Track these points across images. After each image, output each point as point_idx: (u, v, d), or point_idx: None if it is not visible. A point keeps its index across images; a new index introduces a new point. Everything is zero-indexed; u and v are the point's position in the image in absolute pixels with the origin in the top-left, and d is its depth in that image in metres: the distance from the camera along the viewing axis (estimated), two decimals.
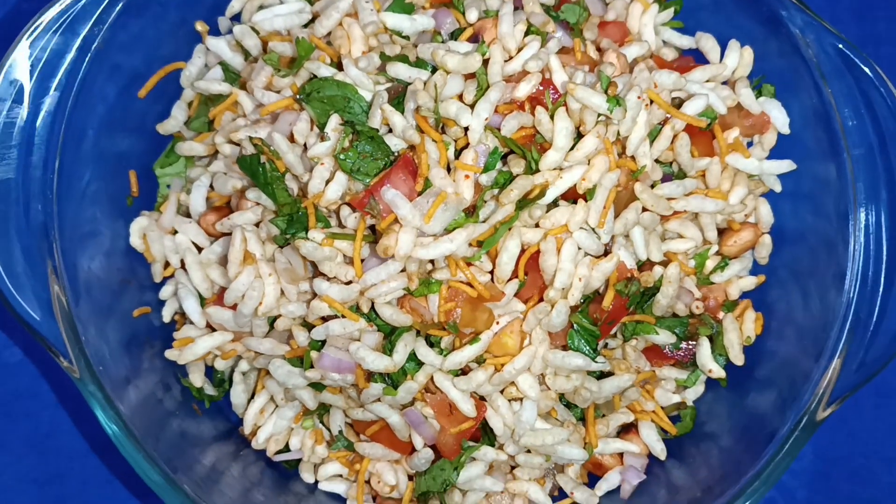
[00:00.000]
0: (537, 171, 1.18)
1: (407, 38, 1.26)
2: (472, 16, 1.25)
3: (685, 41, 1.40)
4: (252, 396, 1.36)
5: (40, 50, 1.19)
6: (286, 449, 1.34)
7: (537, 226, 1.18)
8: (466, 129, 1.17)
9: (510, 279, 1.19)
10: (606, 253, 1.21)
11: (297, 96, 1.24)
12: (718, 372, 1.30)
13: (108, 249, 1.29)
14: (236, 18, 1.40)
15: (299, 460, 1.35)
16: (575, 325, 1.20)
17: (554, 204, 1.19)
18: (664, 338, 1.28)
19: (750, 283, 1.36)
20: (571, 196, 1.20)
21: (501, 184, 1.17)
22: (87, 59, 1.23)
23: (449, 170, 1.18)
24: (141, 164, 1.37)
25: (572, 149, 1.18)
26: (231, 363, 1.36)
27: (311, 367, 1.22)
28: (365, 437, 1.30)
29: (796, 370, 1.24)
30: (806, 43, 1.26)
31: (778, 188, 1.35)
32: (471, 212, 1.18)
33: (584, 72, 1.20)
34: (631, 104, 1.18)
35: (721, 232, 1.36)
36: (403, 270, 1.18)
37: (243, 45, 1.34)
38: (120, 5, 1.24)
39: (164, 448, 1.20)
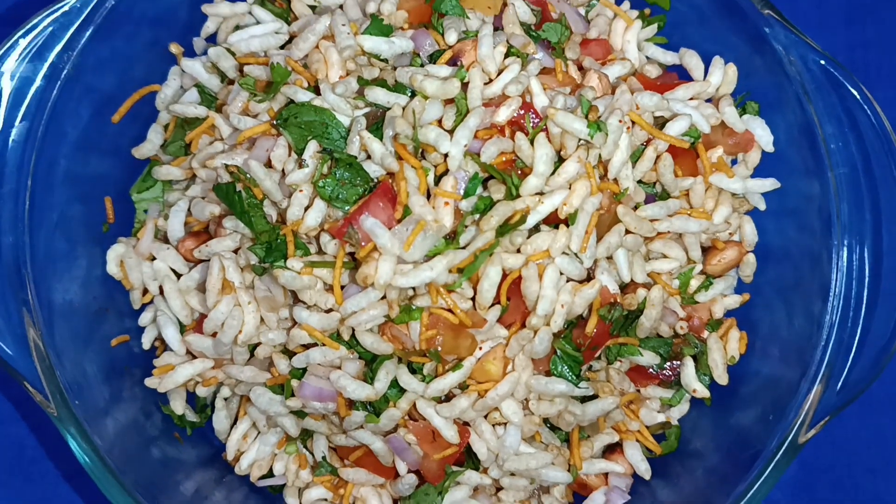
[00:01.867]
0: (518, 196, 1.17)
1: (385, 60, 1.24)
2: (452, 37, 1.23)
3: (669, 57, 1.39)
4: (235, 422, 1.34)
5: (8, 77, 1.17)
6: (270, 474, 1.34)
7: (519, 251, 1.17)
8: (446, 155, 1.15)
9: (492, 305, 1.17)
10: (589, 278, 1.20)
11: (274, 122, 1.22)
12: (703, 392, 1.29)
13: (84, 278, 1.27)
14: (212, 39, 1.38)
15: (283, 485, 1.34)
16: (558, 351, 1.19)
17: (535, 229, 1.18)
18: (648, 359, 1.28)
19: (734, 301, 1.35)
20: (553, 221, 1.19)
21: (482, 210, 1.16)
22: (57, 84, 1.21)
23: (429, 196, 1.16)
24: (117, 190, 1.35)
25: (553, 173, 1.17)
26: (213, 389, 1.34)
27: (293, 395, 1.21)
28: (349, 463, 1.29)
29: (780, 389, 1.24)
30: (790, 60, 1.25)
31: (762, 206, 1.34)
32: (451, 238, 1.16)
33: (564, 95, 1.18)
34: (612, 128, 1.17)
35: (705, 251, 1.35)
36: (384, 298, 1.17)
37: (219, 67, 1.32)
38: (91, 28, 1.22)
39: (144, 477, 1.19)
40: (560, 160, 1.18)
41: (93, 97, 1.27)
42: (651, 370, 1.30)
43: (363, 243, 1.14)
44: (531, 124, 1.18)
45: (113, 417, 1.22)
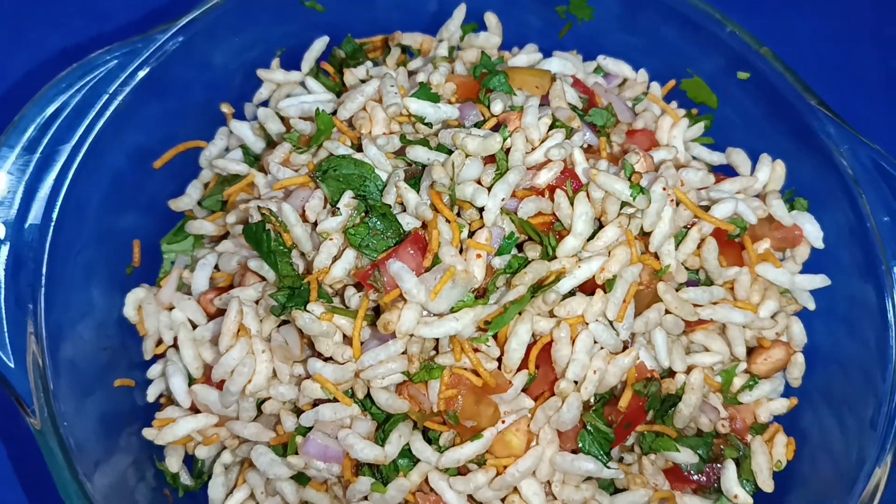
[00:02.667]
0: (554, 258, 1.12)
1: (429, 125, 1.24)
2: (497, 108, 1.23)
3: (715, 157, 1.38)
4: (231, 492, 1.24)
5: (60, 106, 1.19)
6: None
7: (552, 315, 1.11)
8: (482, 210, 1.12)
9: (519, 369, 1.10)
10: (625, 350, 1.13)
11: (313, 174, 1.21)
12: (745, 498, 1.16)
13: (98, 316, 1.23)
14: (263, 105, 1.40)
15: None
16: (588, 426, 1.09)
17: (570, 295, 1.12)
18: (686, 457, 1.17)
19: (781, 406, 1.25)
20: (589, 289, 1.13)
21: (515, 269, 1.11)
22: (99, 125, 1.21)
23: (461, 251, 1.12)
24: (147, 240, 1.33)
25: (592, 238, 1.13)
26: (213, 454, 1.25)
27: (296, 454, 1.12)
28: None
29: (828, 502, 1.12)
30: (839, 153, 1.23)
31: (811, 305, 1.27)
32: (480, 295, 1.11)
33: (607, 163, 1.16)
34: (656, 196, 1.13)
35: (750, 351, 1.27)
36: (404, 353, 1.10)
37: (266, 129, 1.34)
38: (145, 71, 1.24)
39: None
40: (600, 227, 1.14)
41: (135, 147, 1.28)
42: (688, 472, 1.19)
43: (388, 288, 1.09)
44: (571, 189, 1.15)
45: (104, 462, 1.14)
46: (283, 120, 1.34)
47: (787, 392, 1.27)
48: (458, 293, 1.08)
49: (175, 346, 1.25)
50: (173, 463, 1.23)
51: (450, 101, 1.29)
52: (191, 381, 1.23)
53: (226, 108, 1.38)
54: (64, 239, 1.17)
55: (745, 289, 1.23)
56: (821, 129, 1.25)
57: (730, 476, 1.18)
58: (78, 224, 1.19)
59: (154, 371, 1.28)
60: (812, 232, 1.26)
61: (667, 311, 1.17)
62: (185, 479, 1.25)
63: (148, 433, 1.21)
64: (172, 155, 1.33)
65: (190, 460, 1.26)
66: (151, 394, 1.27)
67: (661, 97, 1.40)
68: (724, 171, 1.36)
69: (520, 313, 1.08)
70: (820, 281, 1.25)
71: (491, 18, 1.42)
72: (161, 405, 1.28)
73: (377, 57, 1.46)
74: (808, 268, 1.28)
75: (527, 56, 1.41)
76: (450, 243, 1.11)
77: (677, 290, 1.18)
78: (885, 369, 1.16)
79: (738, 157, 1.34)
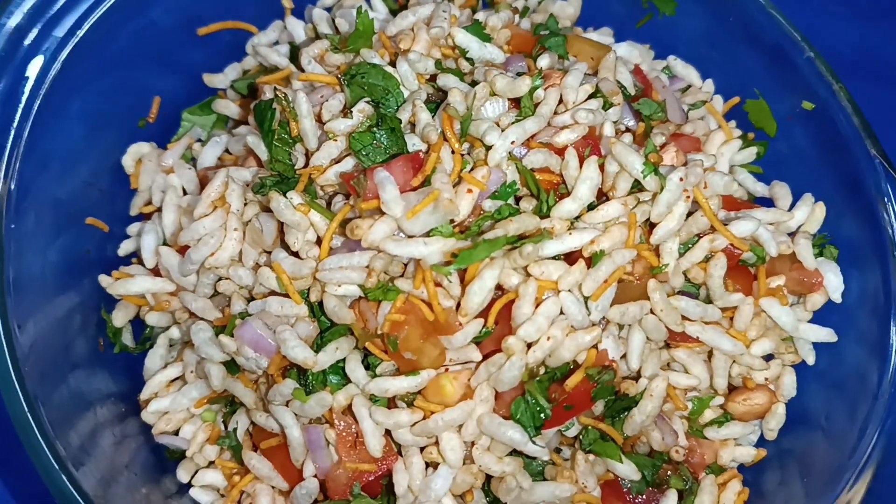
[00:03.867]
0: (547, 216, 1.06)
1: (472, 62, 1.20)
2: (544, 62, 1.18)
3: (759, 188, 1.29)
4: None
5: None
6: (175, 434, 1.18)
7: (527, 273, 1.04)
8: (490, 148, 1.07)
9: (476, 317, 1.03)
10: None
11: (342, 76, 1.18)
12: None
13: (96, 160, 1.22)
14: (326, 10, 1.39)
15: (183, 454, 1.18)
16: (527, 394, 1.02)
17: (553, 260, 1.05)
18: (627, 471, 1.08)
19: (747, 454, 1.15)
20: (574, 262, 1.06)
21: (504, 216, 1.05)
22: None
23: (458, 184, 1.07)
24: (171, 106, 1.32)
25: (593, 209, 1.06)
26: (164, 326, 1.23)
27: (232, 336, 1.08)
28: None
29: None
30: (886, 212, 1.13)
31: (811, 360, 1.17)
32: (461, 232, 1.05)
33: (632, 139, 1.10)
34: (670, 185, 1.06)
35: (732, 388, 1.18)
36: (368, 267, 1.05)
37: (317, 31, 1.32)
38: None
39: (41, 362, 1.06)
40: (606, 202, 1.08)
41: (188, 6, 1.28)
42: (627, 489, 1.10)
43: (369, 196, 1.04)
44: (589, 154, 1.09)
45: (51, 298, 1.13)
46: (337, 30, 1.32)
47: (761, 443, 1.17)
48: (436, 219, 1.03)
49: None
50: (119, 317, 1.21)
51: (501, 48, 1.24)
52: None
53: (286, 2, 1.36)
54: (87, 63, 1.16)
55: (744, 320, 1.14)
56: (874, 183, 1.15)
57: None
58: (101, 57, 1.18)
59: (133, 228, 1.27)
60: (833, 283, 1.16)
61: (651, 312, 1.09)
62: (128, 339, 1.23)
63: (104, 280, 1.19)
64: (220, 27, 1.32)
65: (140, 329, 1.24)
66: (123, 248, 1.25)
67: (721, 112, 1.32)
68: (766, 205, 1.27)
69: (491, 259, 1.02)
70: (826, 335, 1.15)
71: None
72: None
73: None
74: (819, 321, 1.17)
75: (598, 36, 1.35)
76: (446, 172, 1.06)
77: (669, 295, 1.10)
78: (858, 459, 1.05)
79: (781, 191, 1.25)
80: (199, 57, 1.34)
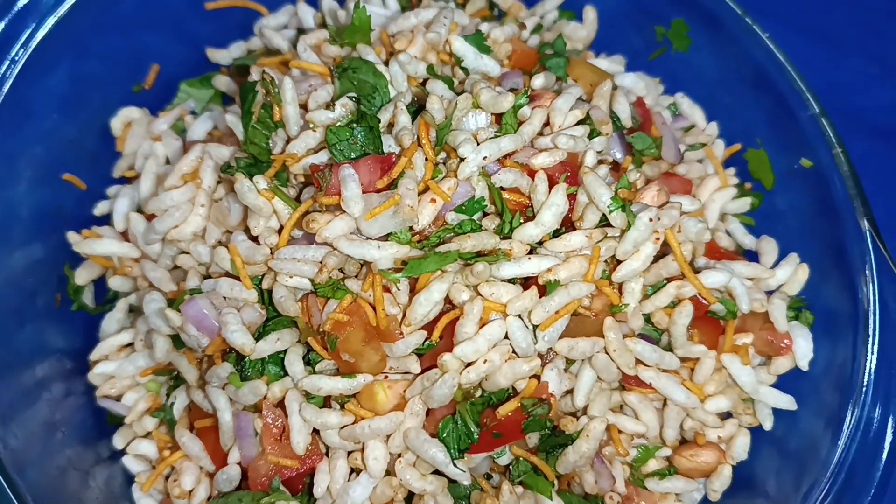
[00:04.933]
0: (508, 237, 1.03)
1: (467, 71, 1.18)
2: (538, 82, 1.16)
3: (748, 240, 1.25)
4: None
5: None
6: (118, 400, 1.18)
7: (477, 292, 1.02)
8: (462, 161, 1.05)
9: (422, 329, 1.01)
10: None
11: (334, 68, 1.17)
12: None
13: (87, 117, 1.22)
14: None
15: (121, 421, 1.18)
16: (457, 415, 1.00)
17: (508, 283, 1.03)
18: None
19: None
20: (529, 287, 1.03)
21: (465, 230, 1.03)
22: None
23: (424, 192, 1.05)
24: (169, 75, 1.32)
25: (557, 237, 1.03)
26: (127, 291, 1.23)
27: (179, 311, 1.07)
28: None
29: None
30: (867, 286, 1.09)
31: (767, 425, 1.12)
32: (419, 241, 1.03)
33: (607, 171, 1.07)
34: (639, 224, 1.03)
35: (684, 442, 1.14)
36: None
37: (325, 20, 1.31)
38: None
39: None
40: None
41: None
42: None
43: (331, 191, 1.03)
44: (563, 182, 1.06)
45: (16, 238, 1.13)
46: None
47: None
48: (394, 224, 1.01)
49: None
50: (82, 275, 1.21)
51: (501, 62, 1.22)
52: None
53: None
54: (86, 21, 1.17)
55: (704, 374, 1.10)
56: (859, 252, 1.11)
57: None
58: (102, 17, 1.19)
59: (112, 190, 1.27)
60: (802, 349, 1.11)
61: (605, 351, 1.05)
62: (88, 299, 1.23)
63: (72, 237, 1.20)
64: (229, 4, 1.32)
65: (102, 293, 1.24)
66: (99, 209, 1.26)
67: (721, 158, 1.28)
68: (754, 259, 1.23)
69: (443, 272, 1.00)
70: (785, 402, 1.10)
71: (590, 13, 1.35)
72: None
73: None
74: (782, 385, 1.13)
75: (608, 63, 1.32)
76: (415, 178, 1.04)
77: (627, 336, 1.07)
78: None
79: (767, 246, 1.21)
80: (207, 31, 1.34)
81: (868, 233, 1.11)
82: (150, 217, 1.17)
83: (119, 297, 1.24)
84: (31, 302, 1.16)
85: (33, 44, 1.12)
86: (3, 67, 1.10)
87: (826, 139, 1.15)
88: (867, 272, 1.09)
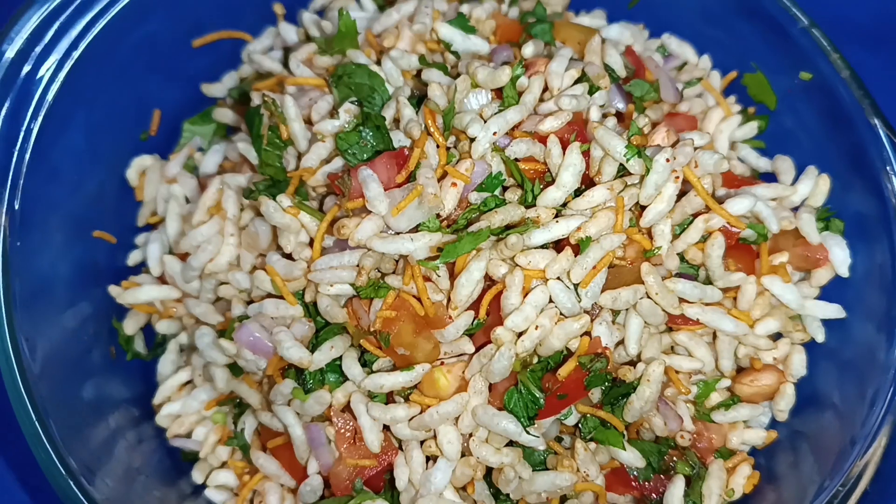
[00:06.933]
0: (533, 205, 1.05)
1: (457, 55, 1.20)
2: (528, 50, 1.18)
3: (762, 163, 1.26)
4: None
5: None
6: (188, 437, 1.21)
7: (514, 263, 1.04)
8: (473, 140, 1.07)
9: (468, 309, 1.03)
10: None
11: (329, 78, 1.19)
12: None
13: (103, 174, 1.25)
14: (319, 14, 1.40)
15: (197, 456, 1.20)
16: (520, 384, 1.02)
17: (541, 249, 1.05)
18: (630, 458, 1.07)
19: (757, 437, 1.13)
20: (562, 249, 1.05)
21: (490, 207, 1.05)
22: None
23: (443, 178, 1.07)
24: (171, 117, 1.34)
25: (579, 195, 1.05)
26: (174, 333, 1.26)
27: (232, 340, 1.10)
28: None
29: None
30: (890, 182, 1.10)
31: (820, 337, 1.14)
32: (449, 226, 1.05)
33: (615, 122, 1.08)
34: (657, 167, 1.04)
35: (740, 370, 1.15)
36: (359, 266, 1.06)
37: (308, 34, 1.33)
38: None
39: (55, 377, 1.09)
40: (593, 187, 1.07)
41: (183, 18, 1.30)
42: (634, 476, 1.09)
43: (354, 195, 1.05)
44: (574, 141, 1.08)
45: (63, 309, 1.16)
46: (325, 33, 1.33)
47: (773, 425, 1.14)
48: (421, 215, 1.03)
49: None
50: (130, 325, 1.24)
51: (487, 39, 1.24)
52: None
53: (279, 9, 1.38)
54: (87, 80, 1.19)
55: (747, 300, 1.12)
56: (877, 152, 1.12)
57: (675, 493, 1.07)
58: (101, 73, 1.21)
59: (140, 238, 1.30)
60: (839, 257, 1.13)
61: (647, 296, 1.07)
62: (140, 347, 1.26)
63: (113, 290, 1.23)
64: (214, 38, 1.34)
65: (151, 337, 1.27)
66: (132, 259, 1.28)
67: (719, 88, 1.30)
68: (771, 180, 1.25)
69: (478, 251, 1.02)
70: (834, 311, 1.12)
71: None
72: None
73: None
74: (827, 297, 1.14)
75: (590, 19, 1.34)
76: (431, 167, 1.06)
77: (666, 278, 1.08)
78: (868, 437, 1.02)
79: (784, 165, 1.23)
80: (198, 67, 1.36)
81: (881, 130, 1.12)
82: (182, 257, 1.20)
83: (168, 340, 1.26)
84: (88, 357, 1.19)
85: (44, 109, 1.14)
86: (21, 134, 1.12)
87: (821, 48, 1.16)
88: (888, 169, 1.10)
